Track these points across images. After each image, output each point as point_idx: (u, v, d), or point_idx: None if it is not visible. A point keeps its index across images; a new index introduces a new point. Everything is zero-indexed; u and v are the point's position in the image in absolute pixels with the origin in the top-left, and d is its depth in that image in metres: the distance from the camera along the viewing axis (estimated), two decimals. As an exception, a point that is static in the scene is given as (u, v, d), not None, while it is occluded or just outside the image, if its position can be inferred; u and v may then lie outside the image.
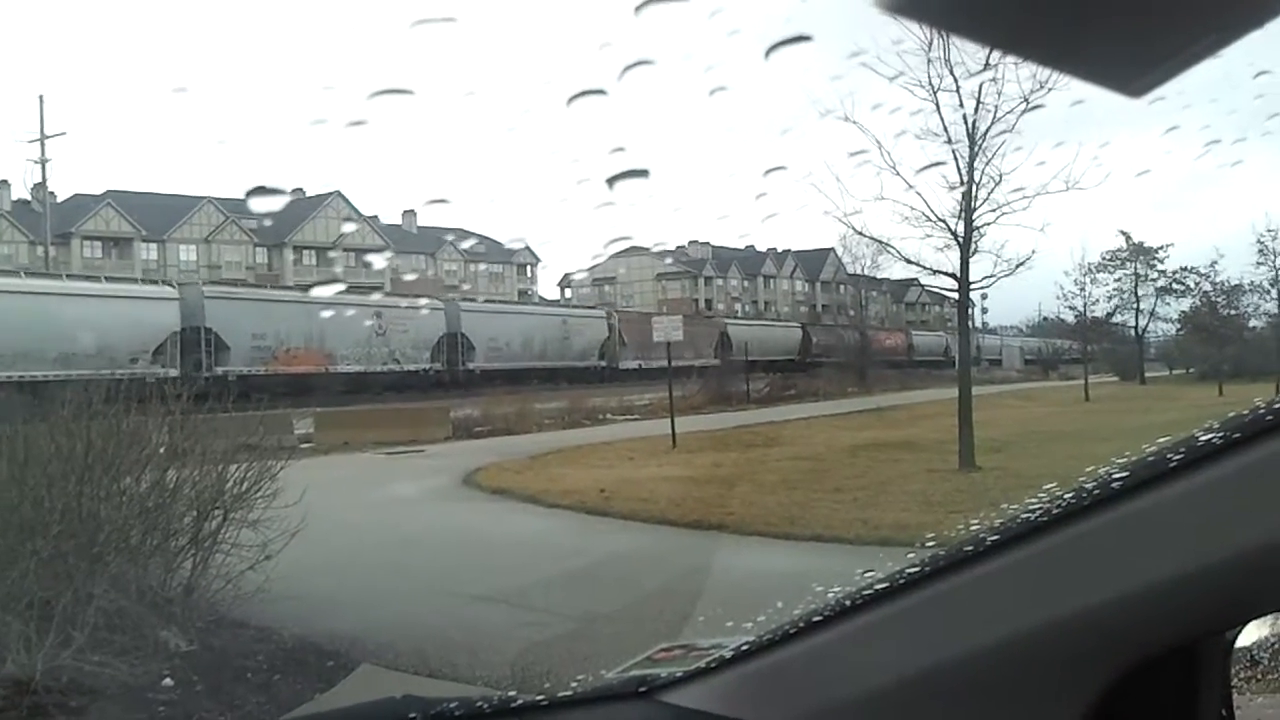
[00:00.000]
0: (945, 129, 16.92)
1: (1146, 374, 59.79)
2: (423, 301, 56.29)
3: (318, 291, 63.97)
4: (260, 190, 5.32)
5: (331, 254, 73.67)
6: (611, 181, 2.10)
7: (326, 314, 46.56)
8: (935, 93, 16.50)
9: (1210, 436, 1.06)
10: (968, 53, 16.18)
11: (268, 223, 68.77)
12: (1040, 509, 1.20)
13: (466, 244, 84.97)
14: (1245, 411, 1.05)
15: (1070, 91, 15.06)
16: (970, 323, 21.96)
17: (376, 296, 55.54)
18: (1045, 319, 76.65)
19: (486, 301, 66.80)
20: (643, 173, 2.12)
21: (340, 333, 47.02)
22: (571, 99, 1.83)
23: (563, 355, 59.61)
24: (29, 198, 60.68)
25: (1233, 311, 56.06)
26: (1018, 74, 15.97)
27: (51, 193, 58.09)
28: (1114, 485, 1.13)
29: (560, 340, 60.63)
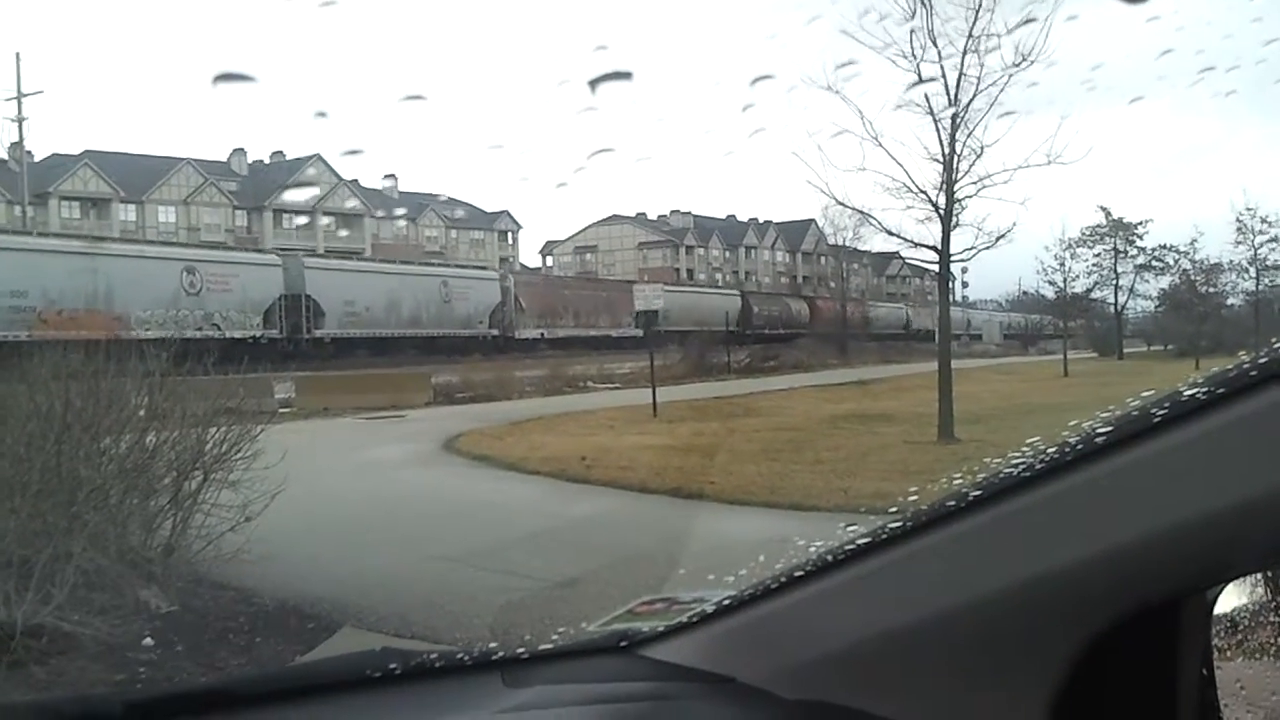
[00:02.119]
0: (927, 99, 16.90)
1: (1125, 350, 60.05)
2: (250, 255, 49.51)
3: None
4: (228, 76, 5.19)
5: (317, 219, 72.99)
6: (594, 84, 2.05)
7: (118, 268, 39.81)
8: (918, 63, 16.47)
9: (1195, 392, 1.06)
10: (951, 23, 16.25)
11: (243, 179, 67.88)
12: (1024, 464, 1.21)
13: (448, 209, 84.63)
14: (1230, 367, 1.06)
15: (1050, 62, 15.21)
16: (950, 296, 21.97)
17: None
18: (1025, 294, 76.67)
19: (342, 257, 58.48)
20: (626, 75, 2.07)
21: (137, 291, 39.50)
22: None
23: (441, 322, 52.80)
24: (5, 157, 60.11)
25: (1211, 289, 56.43)
26: (1000, 45, 16.00)
27: (29, 152, 57.58)
28: (1098, 440, 1.13)
29: (439, 305, 53.42)
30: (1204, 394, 1.05)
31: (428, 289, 53.31)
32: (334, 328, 47.53)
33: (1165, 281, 59.52)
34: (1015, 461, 1.23)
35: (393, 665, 1.71)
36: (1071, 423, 1.23)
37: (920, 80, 16.43)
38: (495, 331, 55.58)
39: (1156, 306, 62.98)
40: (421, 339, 49.40)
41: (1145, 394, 1.15)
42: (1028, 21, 15.26)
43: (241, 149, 76.22)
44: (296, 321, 46.05)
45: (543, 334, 56.78)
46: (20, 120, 52.81)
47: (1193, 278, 56.95)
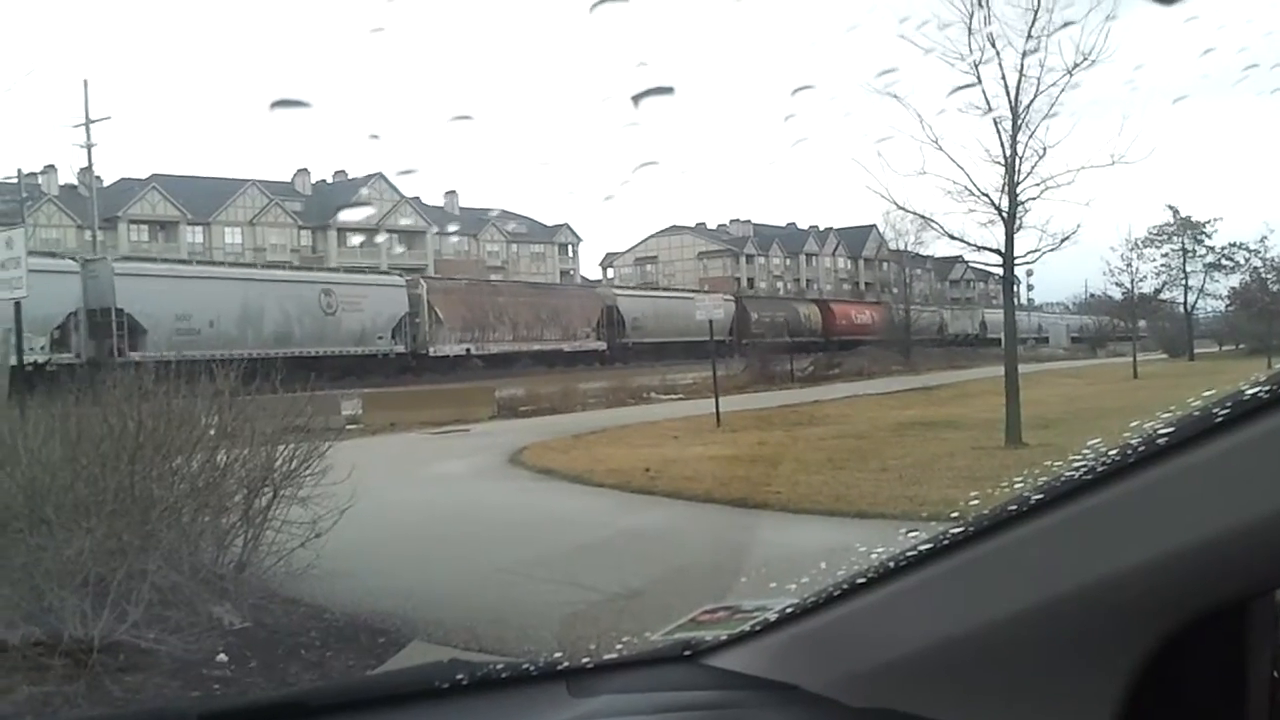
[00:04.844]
0: (987, 101, 16.71)
1: (1195, 350, 58.99)
2: (30, 261, 33.63)
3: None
4: (284, 102, 5.23)
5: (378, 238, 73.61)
6: (637, 99, 2.07)
7: None
8: (977, 66, 16.29)
9: (1257, 390, 1.05)
10: (1010, 24, 16.08)
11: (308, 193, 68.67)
12: (1085, 467, 1.20)
13: (507, 223, 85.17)
14: None
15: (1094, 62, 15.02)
16: (1015, 299, 21.69)
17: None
18: (1092, 296, 75.68)
19: (177, 263, 48.84)
20: (668, 90, 2.09)
21: None
22: (595, 4, 1.80)
23: (323, 339, 43.71)
24: (76, 182, 61.48)
25: (1283, 287, 55.28)
26: (1060, 46, 15.82)
27: (98, 177, 58.75)
28: (1159, 441, 1.12)
29: (319, 318, 44.41)
30: (1267, 392, 1.04)
31: (302, 299, 44.32)
32: (161, 348, 33.14)
33: (1236, 280, 58.58)
34: (1076, 465, 1.22)
35: (460, 676, 1.73)
36: (1134, 423, 1.22)
37: (979, 81, 16.25)
38: (401, 348, 47.68)
39: (1227, 306, 61.93)
40: (295, 359, 35.97)
41: (1207, 394, 1.14)
42: (1066, 25, 15.07)
43: (305, 169, 77.46)
44: (105, 342, 36.72)
45: (469, 350, 49.53)
46: (89, 146, 53.89)
47: (1264, 275, 55.89)
